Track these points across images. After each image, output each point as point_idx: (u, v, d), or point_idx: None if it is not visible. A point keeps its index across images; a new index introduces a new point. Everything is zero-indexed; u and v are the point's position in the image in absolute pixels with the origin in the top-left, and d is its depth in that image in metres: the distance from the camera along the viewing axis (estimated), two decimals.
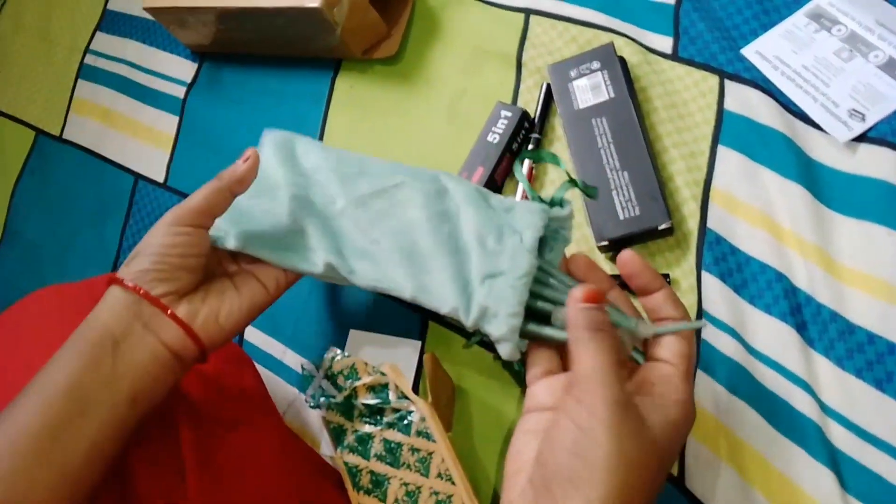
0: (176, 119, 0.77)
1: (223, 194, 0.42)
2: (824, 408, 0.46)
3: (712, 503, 0.47)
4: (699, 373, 0.50)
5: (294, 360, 0.62)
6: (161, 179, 0.76)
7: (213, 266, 0.44)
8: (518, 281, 0.39)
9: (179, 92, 0.78)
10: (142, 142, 0.78)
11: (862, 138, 0.51)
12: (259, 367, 0.63)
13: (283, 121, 0.72)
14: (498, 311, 0.39)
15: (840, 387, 0.46)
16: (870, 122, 0.50)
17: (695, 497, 0.47)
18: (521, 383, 0.45)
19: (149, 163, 0.77)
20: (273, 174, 0.49)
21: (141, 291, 0.38)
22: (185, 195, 0.74)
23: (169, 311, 0.39)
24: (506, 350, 0.39)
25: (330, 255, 0.44)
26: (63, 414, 0.34)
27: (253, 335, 0.65)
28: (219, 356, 0.49)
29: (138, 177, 0.77)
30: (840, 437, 0.45)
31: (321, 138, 0.69)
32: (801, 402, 0.46)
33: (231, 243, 0.44)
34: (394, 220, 0.46)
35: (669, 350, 0.36)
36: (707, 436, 0.48)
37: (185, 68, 0.79)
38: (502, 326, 0.39)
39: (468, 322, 0.40)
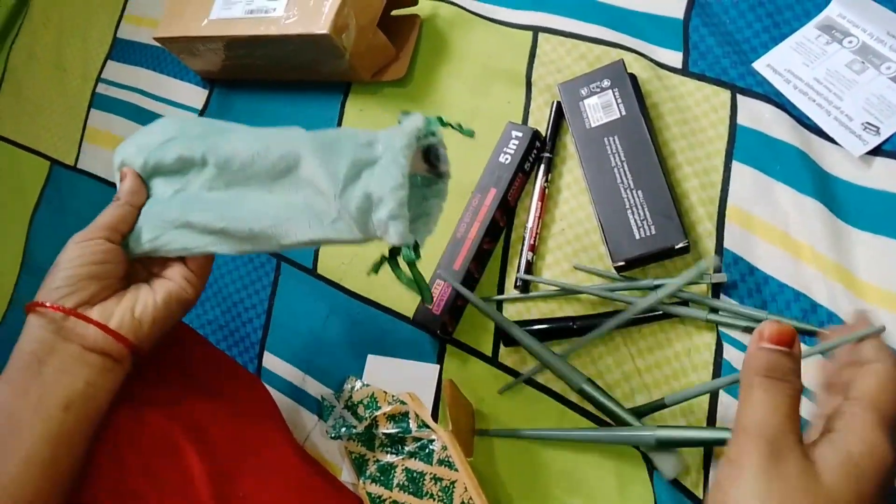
0: None
1: (122, 208, 0.46)
2: None
3: None
4: (721, 395, 0.50)
5: (314, 386, 0.63)
6: None
7: (132, 276, 0.47)
8: (398, 153, 0.38)
9: None
10: None
11: (877, 151, 0.50)
12: (278, 395, 0.63)
13: None
14: (382, 192, 0.38)
15: None
16: (884, 135, 0.50)
17: None
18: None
19: None
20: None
21: (50, 305, 0.41)
22: None
23: (79, 312, 0.41)
24: (397, 231, 0.37)
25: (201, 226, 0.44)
26: None
27: (271, 362, 0.66)
28: (234, 383, 0.50)
29: None
30: None
31: None
32: None
33: (138, 251, 0.46)
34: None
35: (861, 388, 0.30)
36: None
37: (196, 95, 0.80)
38: (389, 203, 0.37)
39: (354, 218, 0.39)
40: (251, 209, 0.43)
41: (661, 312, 0.53)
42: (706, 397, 0.50)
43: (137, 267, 0.47)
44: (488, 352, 0.58)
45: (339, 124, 0.70)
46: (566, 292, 0.56)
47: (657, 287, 0.53)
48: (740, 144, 0.55)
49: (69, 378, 0.40)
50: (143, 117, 0.82)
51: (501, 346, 0.58)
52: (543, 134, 0.62)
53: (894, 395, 0.29)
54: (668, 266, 0.54)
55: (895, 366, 0.30)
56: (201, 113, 0.78)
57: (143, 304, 0.44)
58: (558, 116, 0.61)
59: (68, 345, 0.41)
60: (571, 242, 0.58)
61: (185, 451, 0.43)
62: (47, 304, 0.41)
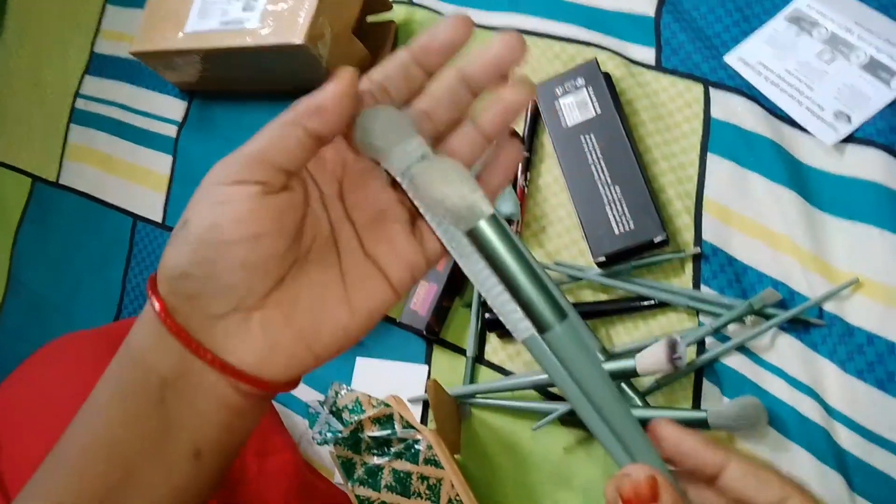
0: (170, 158, 0.78)
1: (293, 133, 0.24)
2: (830, 411, 0.46)
3: None
4: (706, 382, 0.50)
5: (304, 391, 0.63)
6: (159, 219, 0.76)
7: (307, 231, 0.27)
8: None
9: (171, 131, 0.79)
10: (138, 183, 0.79)
11: (849, 139, 0.51)
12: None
13: None
14: None
15: (844, 389, 0.46)
16: (856, 124, 0.51)
17: None
18: None
19: (146, 204, 0.78)
20: None
21: (170, 324, 0.25)
22: None
23: (216, 361, 0.25)
24: None
25: None
26: (100, 484, 0.26)
27: None
28: None
29: (137, 218, 0.78)
30: (846, 440, 0.45)
31: None
32: (806, 407, 0.46)
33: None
34: None
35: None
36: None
37: (175, 107, 0.80)
38: None
39: None
40: None
41: (644, 302, 0.53)
42: (691, 382, 0.51)
43: (319, 211, 0.28)
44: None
45: None
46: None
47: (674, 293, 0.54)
48: (715, 138, 0.55)
49: (202, 420, 0.26)
50: (124, 131, 0.82)
51: (489, 343, 0.58)
52: (521, 134, 0.62)
53: (772, 473, 0.27)
54: (647, 259, 0.55)
55: (801, 490, 0.27)
56: (181, 124, 0.79)
57: (331, 326, 0.26)
58: (535, 117, 0.62)
59: (207, 371, 0.25)
60: (552, 240, 0.59)
61: None
62: (170, 323, 0.25)
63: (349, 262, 0.27)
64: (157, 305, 0.25)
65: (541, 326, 0.26)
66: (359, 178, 0.28)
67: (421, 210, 0.27)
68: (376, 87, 0.26)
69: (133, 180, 0.79)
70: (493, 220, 0.25)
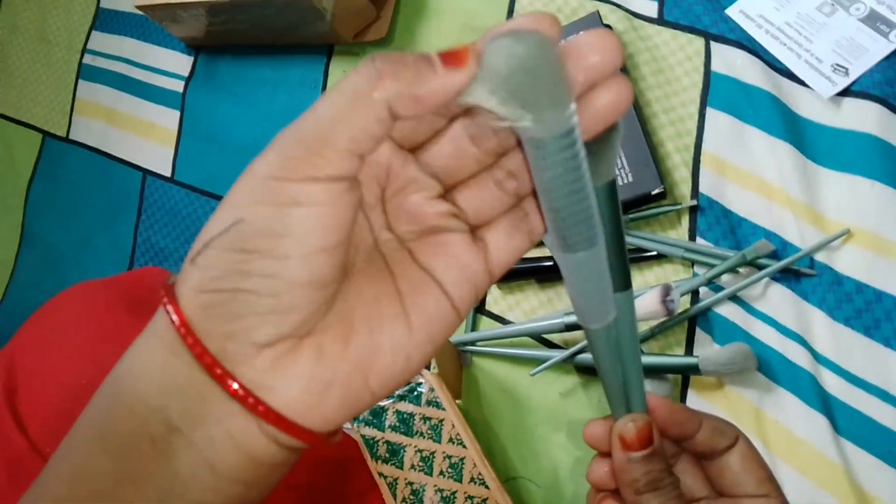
0: (177, 113, 0.79)
1: (373, 112, 0.18)
2: (818, 357, 0.48)
3: None
4: (698, 331, 0.52)
5: None
6: (168, 174, 0.78)
7: (356, 242, 0.22)
8: None
9: (178, 86, 0.79)
10: (146, 138, 0.80)
11: (846, 92, 0.51)
12: None
13: (281, 110, 0.73)
14: None
15: (832, 336, 0.48)
16: (853, 77, 0.51)
17: None
18: None
19: (155, 158, 0.79)
20: None
21: (199, 353, 0.19)
22: (192, 188, 0.76)
23: (253, 402, 0.20)
24: None
25: None
26: None
27: None
28: None
29: (146, 172, 0.79)
30: (832, 384, 0.47)
31: None
32: (794, 353, 0.48)
33: None
34: None
35: (750, 481, 0.29)
36: (705, 390, 0.51)
37: (181, 62, 0.80)
38: None
39: None
40: None
41: (641, 253, 0.55)
42: (684, 330, 0.53)
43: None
44: None
45: (324, 86, 0.71)
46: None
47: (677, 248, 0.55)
48: (714, 91, 0.56)
49: (214, 480, 0.20)
50: (131, 86, 0.83)
51: (490, 293, 0.60)
52: None
53: (766, 469, 0.30)
54: (645, 213, 0.56)
55: (747, 439, 0.30)
56: (188, 79, 0.79)
57: (389, 358, 0.21)
58: None
59: (230, 415, 0.20)
60: None
61: None
62: (200, 352, 0.19)
63: (402, 275, 0.22)
64: (175, 318, 0.19)
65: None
66: (403, 187, 0.22)
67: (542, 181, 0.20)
68: None
69: (141, 135, 0.80)
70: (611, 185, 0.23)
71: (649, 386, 0.51)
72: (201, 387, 0.19)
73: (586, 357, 0.53)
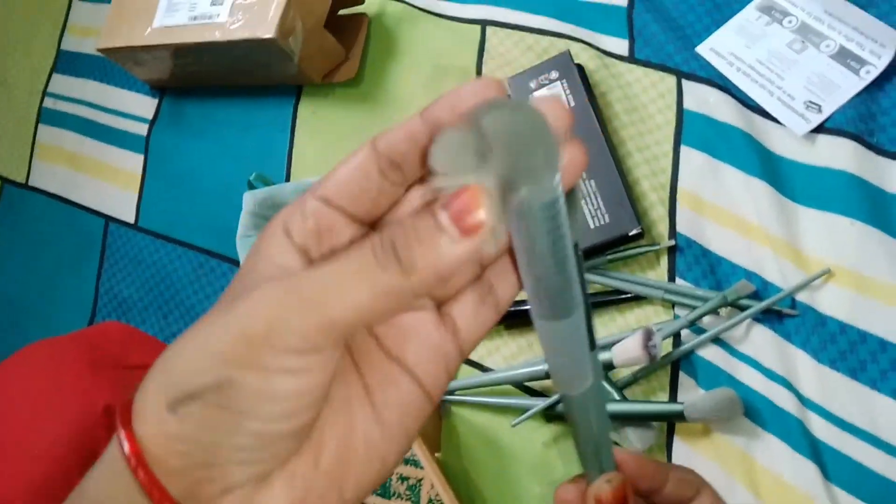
0: (141, 157, 0.76)
1: (398, 300, 0.19)
2: (804, 401, 0.47)
3: None
4: (682, 374, 0.51)
5: None
6: (132, 220, 0.75)
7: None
8: None
9: (142, 129, 0.77)
10: (109, 183, 0.78)
11: (820, 129, 0.51)
12: None
13: (249, 151, 0.71)
14: None
15: (817, 379, 0.47)
16: (826, 113, 0.51)
17: None
18: None
19: (118, 204, 0.76)
20: None
21: (149, 486, 0.19)
22: (156, 234, 0.73)
23: None
24: None
25: None
26: None
27: None
28: None
29: (109, 219, 0.77)
30: (820, 429, 0.46)
31: (289, 164, 0.69)
32: (780, 397, 0.47)
33: None
34: None
35: None
36: (691, 436, 0.49)
37: (145, 105, 0.78)
38: None
39: None
40: None
41: (620, 295, 0.54)
42: (667, 374, 0.51)
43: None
44: None
45: (293, 127, 0.70)
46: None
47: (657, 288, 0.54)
48: (688, 129, 0.56)
49: None
50: (94, 130, 0.80)
51: None
52: None
53: None
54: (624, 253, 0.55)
55: (710, 488, 0.30)
56: (152, 122, 0.77)
57: (362, 465, 0.20)
58: None
59: None
60: None
61: None
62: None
63: (370, 367, 0.21)
64: (128, 449, 0.19)
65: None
66: None
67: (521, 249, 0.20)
68: (385, 163, 0.20)
69: (104, 180, 0.78)
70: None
71: (635, 434, 0.49)
72: None
73: None
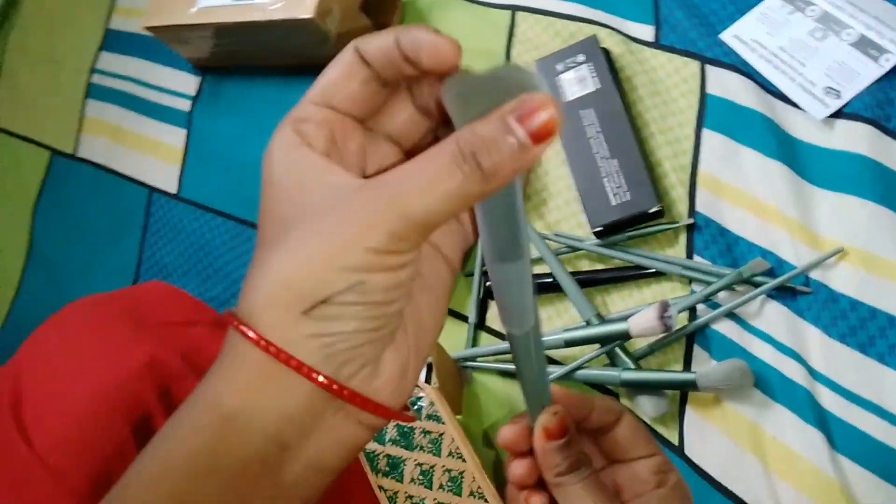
0: (184, 132, 0.80)
1: (476, 199, 0.21)
2: (813, 373, 0.48)
3: (710, 468, 0.50)
4: (696, 347, 0.53)
5: None
6: (174, 191, 0.79)
7: None
8: None
9: (185, 105, 0.81)
10: (152, 156, 0.82)
11: (838, 114, 0.53)
12: None
13: None
14: None
15: (827, 353, 0.48)
16: (845, 99, 0.53)
17: (694, 463, 0.50)
18: None
19: (161, 176, 0.80)
20: None
21: (338, 389, 0.22)
22: (197, 205, 0.77)
23: (370, 405, 0.23)
24: None
25: None
26: None
27: None
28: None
29: (152, 190, 0.80)
30: (828, 400, 0.47)
31: None
32: (791, 370, 0.49)
33: None
34: None
35: (640, 445, 0.33)
36: (703, 406, 0.51)
37: (188, 82, 0.82)
38: None
39: None
40: None
41: (639, 270, 0.56)
42: (682, 347, 0.53)
43: None
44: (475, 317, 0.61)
45: None
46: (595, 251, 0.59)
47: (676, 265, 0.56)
48: (710, 113, 0.57)
49: (319, 477, 0.24)
50: (138, 105, 0.84)
51: (490, 309, 0.61)
52: None
53: (648, 434, 0.34)
54: (643, 231, 0.57)
55: (629, 412, 0.34)
56: (195, 99, 0.81)
57: (428, 329, 0.25)
58: None
59: (341, 423, 0.23)
60: (552, 212, 0.61)
61: None
62: (337, 387, 0.22)
63: (421, 257, 0.26)
64: (311, 372, 0.22)
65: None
66: None
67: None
68: (371, 71, 0.23)
69: (148, 153, 0.82)
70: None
71: (648, 402, 0.52)
72: (319, 406, 0.23)
73: (587, 373, 0.54)
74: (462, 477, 0.48)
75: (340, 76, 0.23)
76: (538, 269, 0.60)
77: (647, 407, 0.52)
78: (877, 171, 0.50)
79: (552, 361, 0.57)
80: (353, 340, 0.22)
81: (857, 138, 0.51)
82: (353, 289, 0.22)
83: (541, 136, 0.20)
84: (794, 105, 0.55)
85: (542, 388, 0.32)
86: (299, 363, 0.22)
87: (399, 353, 0.24)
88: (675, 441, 0.51)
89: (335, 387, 0.22)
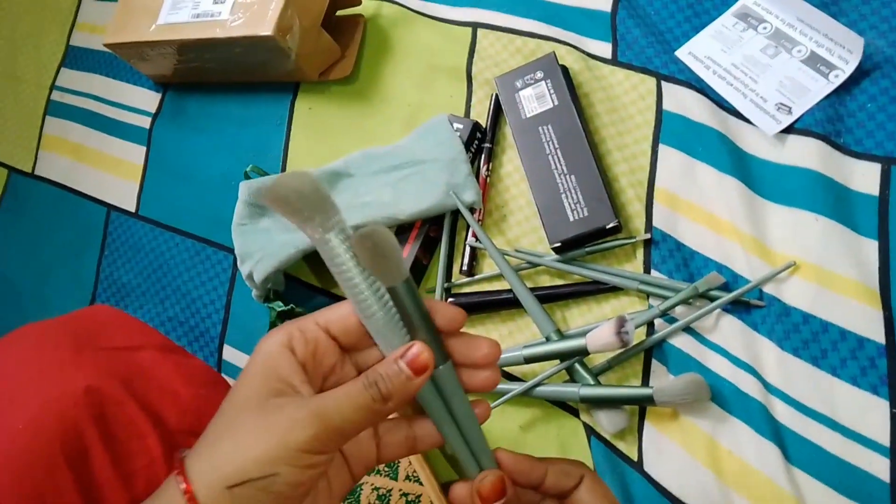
0: (143, 149, 0.79)
1: (378, 416, 0.31)
2: (768, 387, 0.49)
3: (668, 483, 0.49)
4: (654, 362, 0.53)
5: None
6: (133, 209, 0.78)
7: None
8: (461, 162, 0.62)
9: (145, 122, 0.80)
10: (112, 174, 0.80)
11: (790, 130, 0.54)
12: None
13: (247, 145, 0.74)
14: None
15: (781, 366, 0.49)
16: (796, 115, 0.53)
17: (652, 479, 0.50)
18: None
19: (120, 193, 0.79)
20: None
21: None
22: (156, 223, 0.76)
23: None
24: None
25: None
26: None
27: (231, 355, 0.68)
28: (193, 382, 0.51)
29: (111, 208, 0.79)
30: (783, 413, 0.48)
31: (285, 159, 0.72)
32: (746, 383, 0.49)
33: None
34: None
35: None
36: (661, 421, 0.51)
37: (149, 99, 0.81)
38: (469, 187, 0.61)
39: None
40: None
41: (598, 285, 0.56)
42: (640, 362, 0.53)
43: None
44: None
45: (290, 122, 0.72)
46: (531, 265, 0.59)
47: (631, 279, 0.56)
48: (666, 129, 0.58)
49: None
50: (98, 122, 0.83)
51: None
52: (484, 125, 0.64)
53: (610, 498, 0.36)
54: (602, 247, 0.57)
55: (592, 474, 0.36)
56: (155, 115, 0.80)
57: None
58: (497, 109, 0.64)
59: None
60: (513, 228, 0.61)
61: (149, 436, 0.44)
62: None
63: (332, 465, 0.34)
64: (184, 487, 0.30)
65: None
66: None
67: (335, 270, 0.32)
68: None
69: (107, 170, 0.81)
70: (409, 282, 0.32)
71: (607, 418, 0.51)
72: None
73: (547, 390, 0.54)
74: (419, 501, 0.48)
75: (347, 313, 0.32)
76: (498, 286, 0.60)
77: (605, 422, 0.51)
78: (827, 186, 0.51)
79: (512, 378, 0.57)
80: None
81: (807, 153, 0.52)
82: (268, 478, 0.29)
83: (418, 371, 0.30)
84: (747, 121, 0.55)
85: (477, 452, 0.35)
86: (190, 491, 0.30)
87: None
88: (635, 457, 0.51)
89: None
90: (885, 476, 0.44)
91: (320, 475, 0.32)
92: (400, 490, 0.47)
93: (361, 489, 0.48)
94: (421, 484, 0.47)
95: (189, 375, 0.51)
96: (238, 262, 0.63)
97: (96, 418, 0.42)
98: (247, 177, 0.67)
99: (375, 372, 0.31)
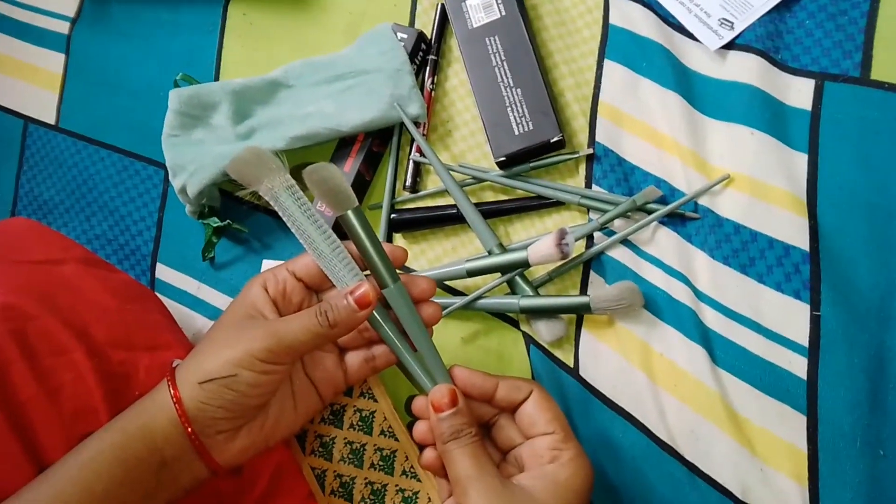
0: (62, 57, 0.73)
1: (326, 339, 0.40)
2: (698, 294, 0.51)
3: (602, 386, 0.51)
4: (592, 273, 0.54)
5: (209, 293, 0.63)
6: (52, 121, 0.73)
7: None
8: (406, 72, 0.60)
9: (64, 28, 0.74)
10: (28, 83, 0.74)
11: (731, 46, 0.54)
12: (173, 304, 0.63)
13: (176, 52, 0.70)
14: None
15: (711, 274, 0.51)
16: (738, 30, 0.54)
17: (587, 383, 0.52)
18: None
19: (38, 105, 0.74)
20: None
21: (195, 441, 0.38)
22: (79, 136, 0.71)
23: (213, 463, 0.39)
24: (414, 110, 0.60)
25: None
26: None
27: (165, 273, 0.65)
28: (119, 295, 0.49)
29: (28, 120, 0.74)
30: (711, 318, 0.50)
31: (217, 69, 0.68)
32: (678, 291, 0.51)
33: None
34: None
35: (541, 422, 0.39)
36: (598, 329, 0.53)
37: (67, 2, 0.75)
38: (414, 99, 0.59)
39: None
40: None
41: (541, 200, 0.56)
42: (579, 273, 0.54)
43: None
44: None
45: (223, 29, 0.68)
46: (478, 181, 0.58)
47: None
48: (612, 43, 0.58)
49: (178, 491, 0.39)
50: (12, 27, 0.76)
51: (395, 242, 0.60)
52: (429, 36, 0.62)
53: (555, 410, 0.40)
54: (545, 161, 0.57)
55: (539, 389, 0.41)
56: (74, 20, 0.74)
57: (284, 431, 0.43)
58: (443, 19, 0.62)
59: (196, 463, 0.39)
60: (458, 143, 0.60)
61: (74, 350, 0.43)
62: (195, 439, 0.39)
63: (297, 379, 0.44)
64: (186, 426, 0.38)
65: (381, 284, 0.41)
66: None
67: (289, 223, 0.41)
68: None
69: (22, 79, 0.75)
70: (359, 210, 0.41)
71: (546, 327, 0.53)
72: (186, 444, 0.38)
73: (488, 302, 0.54)
74: (395, 456, 0.48)
75: (310, 260, 0.42)
76: (443, 202, 0.59)
77: (544, 332, 0.53)
78: (765, 101, 0.52)
79: (455, 292, 0.58)
80: (215, 413, 0.38)
81: (747, 69, 0.53)
82: (229, 378, 0.38)
83: (363, 305, 0.39)
84: (691, 36, 0.56)
85: (433, 369, 0.41)
86: (182, 415, 0.38)
87: (251, 434, 0.40)
88: (571, 363, 0.53)
89: (192, 436, 0.38)
90: (802, 374, 0.47)
91: (277, 381, 0.39)
92: (375, 445, 0.49)
93: (334, 443, 0.49)
94: (396, 439, 0.49)
95: (115, 289, 0.49)
96: (170, 176, 0.60)
97: (14, 334, 0.40)
98: (176, 85, 0.63)
99: (326, 303, 0.39)
